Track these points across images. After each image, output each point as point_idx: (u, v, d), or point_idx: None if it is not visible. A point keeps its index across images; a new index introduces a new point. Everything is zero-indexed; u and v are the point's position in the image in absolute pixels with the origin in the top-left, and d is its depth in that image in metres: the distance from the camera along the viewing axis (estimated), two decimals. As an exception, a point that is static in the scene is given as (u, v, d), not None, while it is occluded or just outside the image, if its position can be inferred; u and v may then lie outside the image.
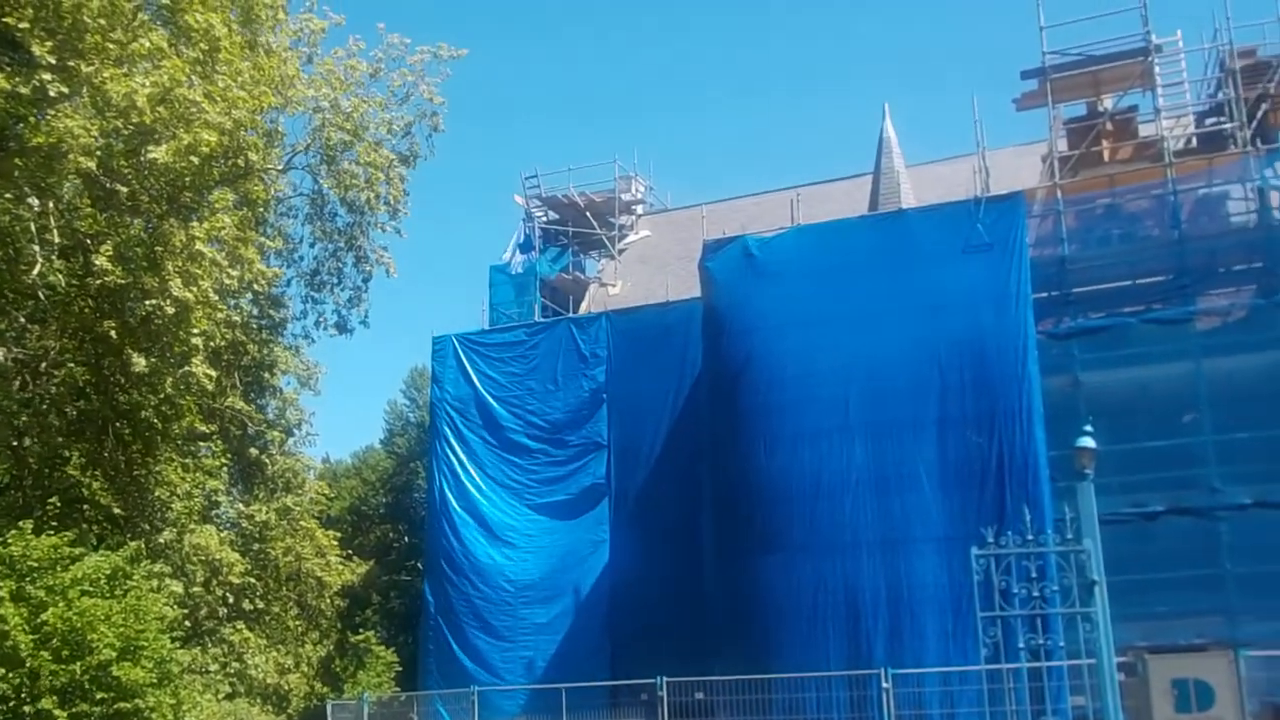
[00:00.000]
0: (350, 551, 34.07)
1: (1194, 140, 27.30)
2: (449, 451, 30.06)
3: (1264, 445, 22.05)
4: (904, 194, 28.08)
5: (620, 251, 35.80)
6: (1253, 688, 18.55)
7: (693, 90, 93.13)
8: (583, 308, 33.76)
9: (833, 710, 21.76)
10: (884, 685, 20.51)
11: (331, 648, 35.31)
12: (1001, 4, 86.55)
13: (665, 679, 22.42)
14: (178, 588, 24.56)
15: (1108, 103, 27.89)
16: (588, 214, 35.13)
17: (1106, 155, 27.51)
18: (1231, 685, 16.75)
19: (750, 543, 23.99)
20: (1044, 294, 24.00)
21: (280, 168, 24.95)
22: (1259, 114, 26.31)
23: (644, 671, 23.30)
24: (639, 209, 37.85)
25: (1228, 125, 25.72)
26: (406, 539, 45.22)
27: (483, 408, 30.17)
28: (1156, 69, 26.22)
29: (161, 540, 25.09)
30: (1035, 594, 13.63)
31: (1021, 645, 13.78)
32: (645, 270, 34.80)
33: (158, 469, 23.88)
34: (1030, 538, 13.95)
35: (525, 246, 34.27)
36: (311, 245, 26.53)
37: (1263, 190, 24.60)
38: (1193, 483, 22.57)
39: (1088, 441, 14.47)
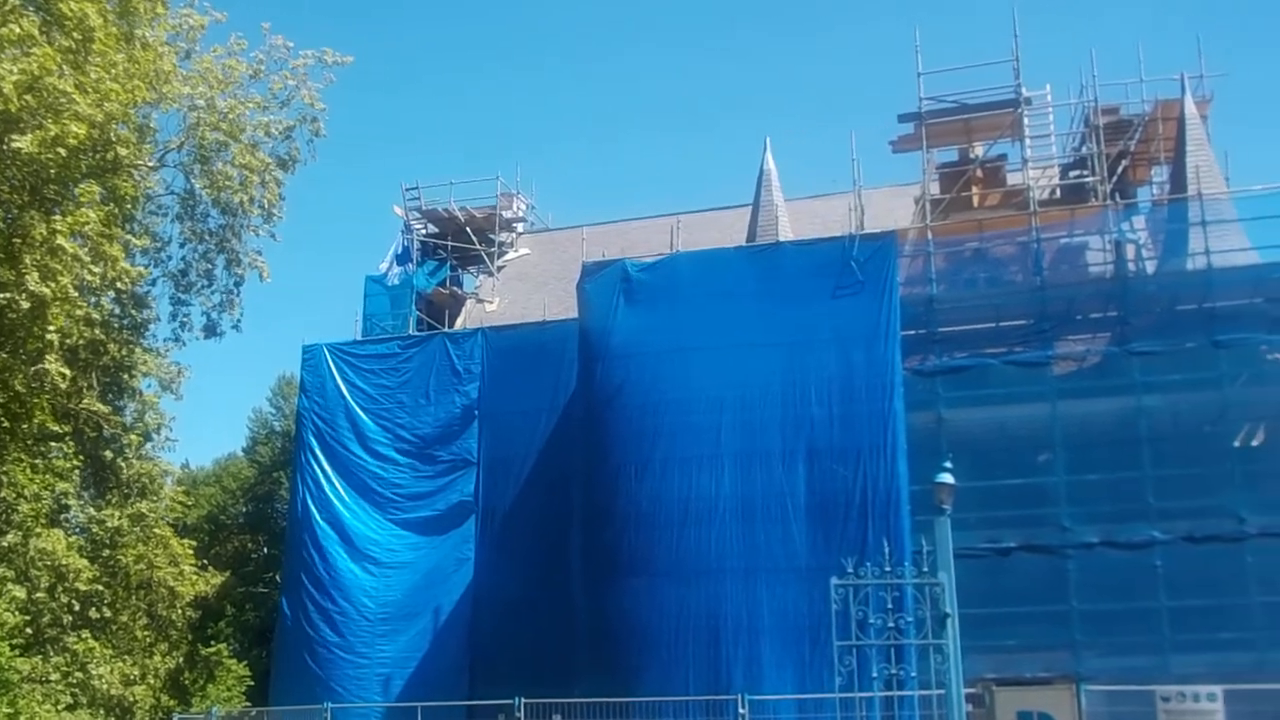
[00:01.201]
0: (206, 561, 33.12)
1: (1058, 191, 28.38)
2: (314, 462, 29.49)
3: (1112, 487, 22.93)
4: (782, 227, 28.56)
5: (499, 268, 35.67)
6: (1093, 720, 19.26)
7: (579, 112, 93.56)
8: (458, 323, 33.53)
9: (689, 734, 21.91)
10: (740, 711, 20.72)
11: (181, 660, 34.24)
12: (883, 48, 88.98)
13: (523, 700, 22.30)
14: (20, 593, 23.56)
15: (979, 150, 28.87)
16: (468, 229, 34.94)
17: (976, 201, 28.44)
18: (1073, 717, 17.31)
19: (616, 566, 24.05)
20: (912, 332, 24.62)
21: (152, 164, 24.28)
22: (1119, 170, 27.51)
23: (504, 692, 23.14)
24: (520, 227, 37.79)
25: (1089, 179, 26.80)
26: (265, 550, 44.20)
27: (351, 419, 29.69)
28: (1026, 121, 27.20)
29: (5, 543, 24.10)
30: (891, 624, 13.95)
31: (875, 674, 14.07)
32: (523, 288, 34.73)
33: (4, 469, 22.95)
34: (888, 570, 14.28)
35: (403, 258, 33.90)
36: (181, 245, 25.80)
37: (1120, 243, 25.68)
38: (1045, 521, 23.32)
39: (947, 478, 14.90)
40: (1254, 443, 24.76)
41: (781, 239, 27.69)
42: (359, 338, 31.59)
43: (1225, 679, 20.15)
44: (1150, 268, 26.26)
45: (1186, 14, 72.93)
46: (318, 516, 28.94)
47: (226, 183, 24.24)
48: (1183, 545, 22.33)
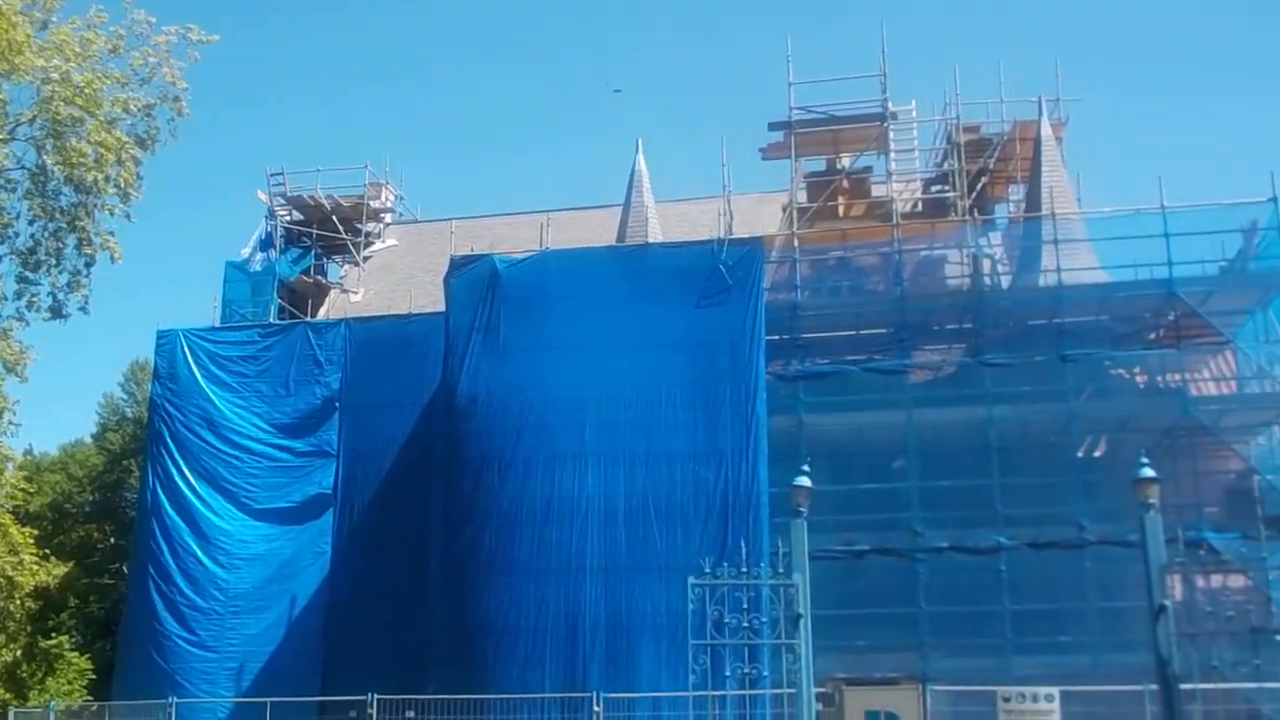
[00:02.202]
0: (48, 551, 31.89)
1: (920, 205, 29.16)
2: (166, 451, 28.65)
3: (962, 494, 23.63)
4: (651, 229, 28.76)
5: (365, 259, 35.15)
6: (937, 719, 19.81)
7: (451, 104, 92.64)
8: (322, 313, 32.95)
9: (545, 731, 21.92)
10: (595, 709, 20.80)
11: (19, 652, 32.95)
12: (756, 56, 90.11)
13: (376, 696, 22.02)
14: None
15: (846, 161, 29.51)
16: (334, 217, 34.35)
17: (842, 210, 29.06)
18: (917, 717, 17.79)
19: (477, 564, 23.91)
20: (776, 337, 25.02)
21: (1, 137, 23.32)
22: (979, 186, 28.41)
23: (358, 688, 22.80)
24: (387, 217, 37.30)
25: (950, 194, 27.61)
26: (113, 540, 42.70)
27: (206, 407, 28.91)
28: (891, 135, 27.91)
29: None
30: (745, 624, 14.16)
31: (728, 673, 14.26)
32: (389, 280, 34.28)
33: None
34: (744, 570, 14.48)
35: (265, 245, 33.16)
36: (30, 223, 24.80)
37: (977, 257, 26.52)
38: (898, 525, 23.90)
39: (804, 481, 15.16)
40: (1096, 454, 25.79)
41: (651, 240, 27.90)
42: (217, 324, 30.79)
43: (1063, 680, 20.88)
44: (1005, 282, 27.18)
45: (1046, 39, 75.58)
46: (168, 506, 28.13)
47: (80, 159, 23.39)
48: (1026, 551, 23.11)
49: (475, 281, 25.45)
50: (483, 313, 25.13)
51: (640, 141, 30.34)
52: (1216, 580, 21.65)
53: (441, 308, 26.55)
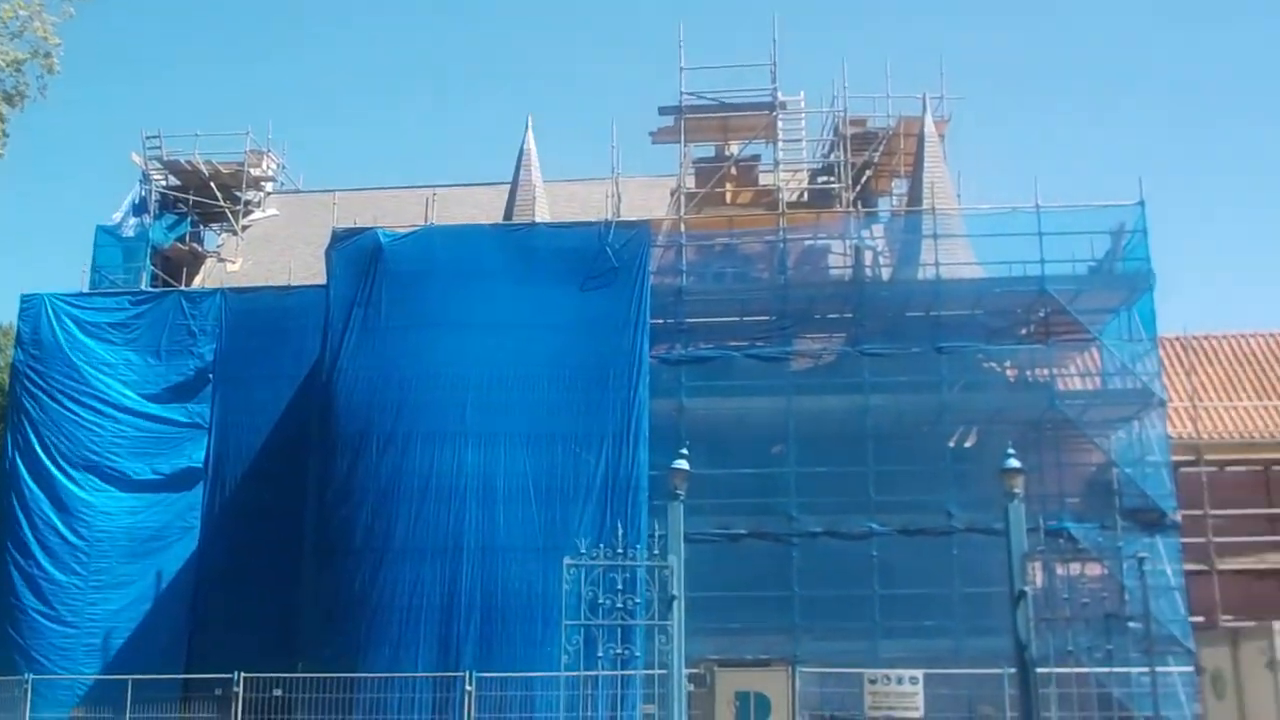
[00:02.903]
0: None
1: (806, 195, 29.49)
2: (26, 419, 27.57)
3: (837, 480, 24.02)
4: (539, 208, 28.62)
5: (244, 228, 34.31)
6: (805, 701, 20.20)
7: (337, 73, 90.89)
8: (197, 281, 32.09)
9: (415, 711, 21.75)
10: (467, 689, 20.72)
11: None
12: (649, 40, 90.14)
13: (242, 674, 21.61)
14: None
15: (734, 148, 29.72)
16: (212, 184, 33.44)
17: (729, 197, 29.28)
18: (786, 698, 18.11)
19: (351, 541, 23.59)
20: (660, 321, 25.13)
21: None
22: (863, 179, 28.86)
23: (226, 665, 22.34)
24: (268, 186, 36.44)
25: (835, 185, 28.01)
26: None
27: (71, 376, 27.87)
28: (780, 125, 28.17)
29: None
30: (619, 605, 14.25)
31: (600, 653, 14.34)
32: (269, 250, 33.55)
33: None
34: (620, 552, 14.56)
35: (139, 210, 32.11)
36: (-111, 179, 23.76)
37: (859, 249, 26.99)
38: (774, 510, 24.21)
39: (682, 464, 15.31)
40: (966, 444, 26.45)
41: (539, 220, 27.77)
42: (86, 290, 29.78)
43: (928, 663, 21.49)
44: (885, 274, 27.69)
45: (932, 38, 77.07)
46: (27, 477, 27.08)
47: (-57, 113, 22.39)
48: (897, 537, 23.63)
49: (357, 255, 25.05)
50: (364, 287, 24.75)
51: (530, 119, 30.20)
52: (1075, 568, 22.45)
53: (322, 280, 26.05)
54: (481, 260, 24.75)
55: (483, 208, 29.86)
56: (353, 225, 25.87)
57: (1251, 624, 15.48)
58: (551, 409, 23.92)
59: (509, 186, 29.80)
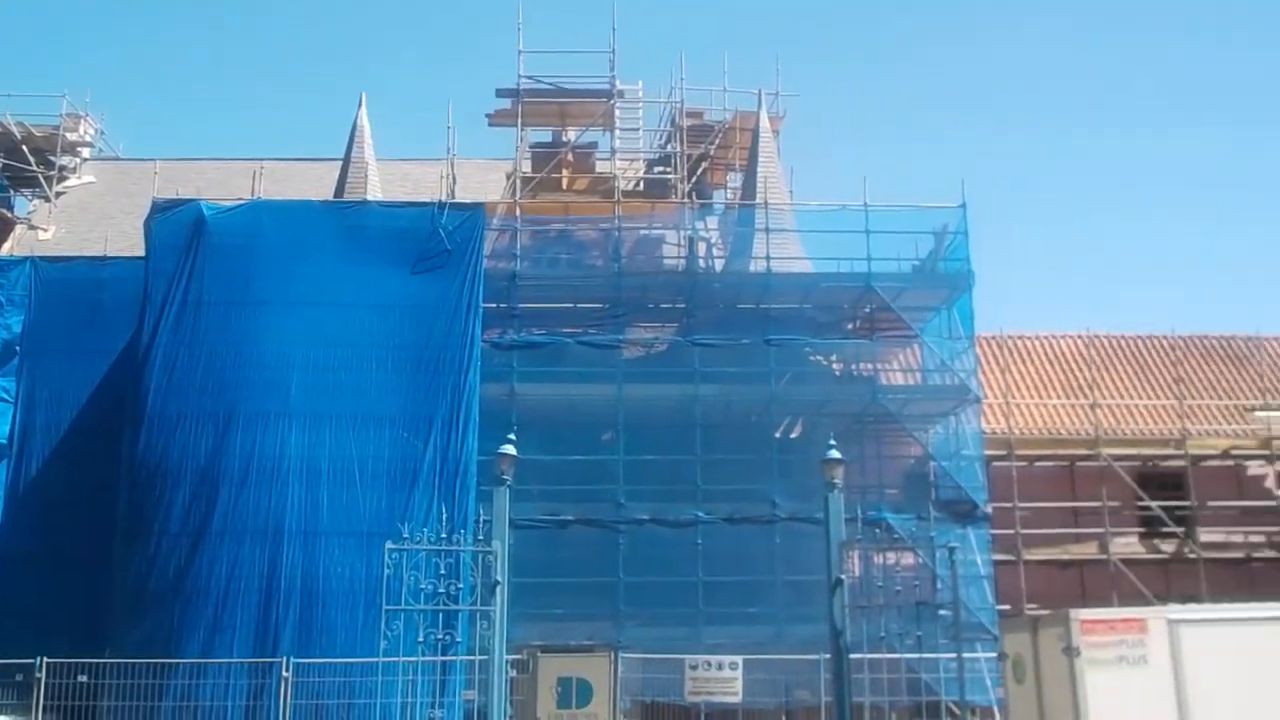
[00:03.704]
0: None
1: (641, 184, 29.68)
2: None
3: (665, 468, 24.25)
4: (371, 186, 28.09)
5: (58, 195, 32.70)
6: (627, 686, 20.36)
7: (161, 37, 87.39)
8: (5, 249, 30.45)
9: (230, 698, 21.18)
10: (284, 675, 20.24)
11: None
12: (487, 19, 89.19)
13: (45, 659, 20.65)
14: None
15: (572, 134, 29.69)
16: (24, 147, 31.79)
17: (565, 183, 29.26)
18: (608, 684, 18.23)
19: (167, 523, 22.77)
20: (493, 305, 24.93)
21: None
22: (699, 171, 29.19)
23: (32, 651, 21.32)
24: (86, 152, 34.78)
25: (671, 176, 28.25)
26: None
27: None
28: (617, 113, 28.25)
29: None
30: (442, 590, 14.12)
31: (421, 639, 14.19)
32: (85, 219, 32.08)
33: None
34: (443, 536, 14.43)
35: (-59, 171, 30.37)
36: None
37: (693, 240, 27.29)
38: (603, 496, 24.30)
39: (509, 449, 15.24)
40: (792, 435, 27.03)
41: (370, 198, 27.26)
42: (-119, 254, 28.02)
43: (748, 649, 21.92)
44: (718, 266, 28.08)
45: (769, 35, 78.35)
46: None
47: None
48: (722, 526, 23.99)
49: (179, 227, 24.14)
50: (186, 261, 23.86)
51: (364, 96, 29.60)
52: (891, 558, 23.19)
53: (141, 252, 25.04)
54: (310, 237, 24.13)
55: (313, 184, 29.10)
56: (175, 196, 24.93)
57: (1050, 612, 16.21)
58: (380, 391, 23.53)
59: (340, 163, 29.17)
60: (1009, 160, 76.63)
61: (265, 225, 24.35)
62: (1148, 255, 73.24)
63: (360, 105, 29.29)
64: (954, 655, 15.97)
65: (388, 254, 24.06)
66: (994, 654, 18.48)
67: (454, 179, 26.42)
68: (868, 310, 26.79)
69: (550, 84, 27.93)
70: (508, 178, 28.10)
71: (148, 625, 22.22)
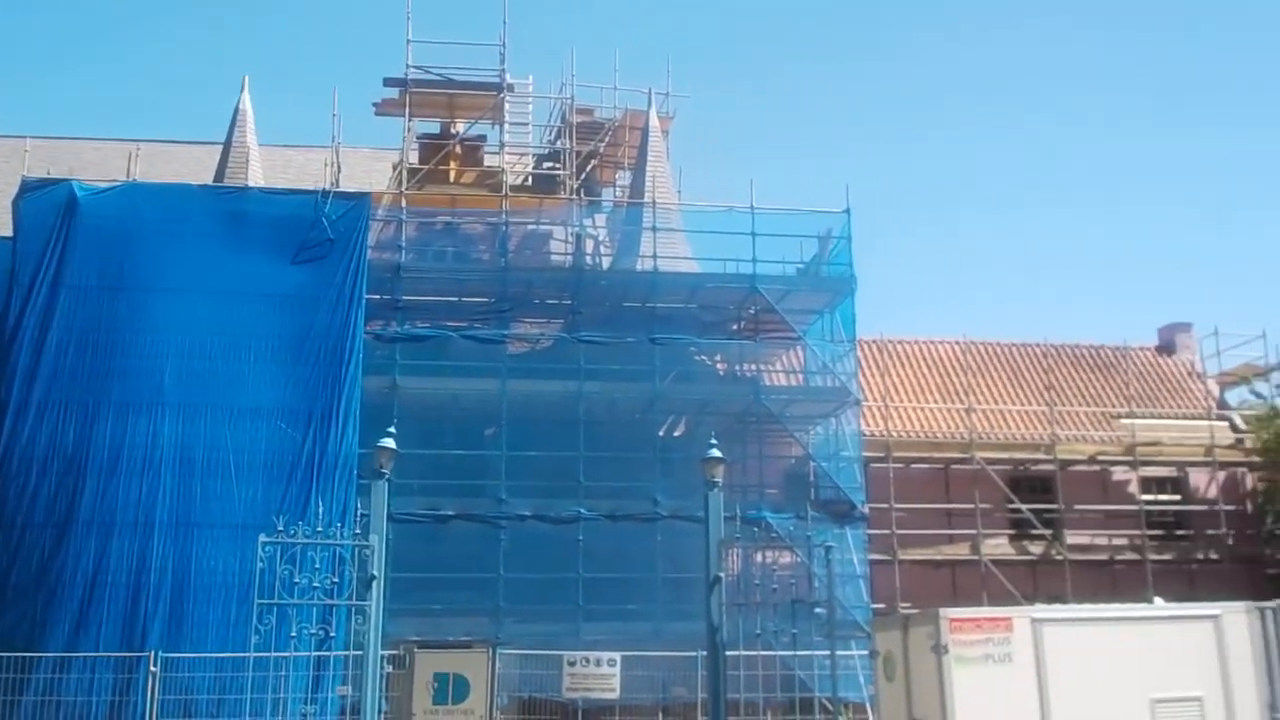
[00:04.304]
0: None
1: (530, 179, 29.58)
2: None
3: (548, 465, 24.25)
4: (253, 172, 27.52)
5: (-79, 170, 31.43)
6: (505, 683, 20.29)
7: (36, 13, 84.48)
8: None
9: (95, 693, 20.60)
10: (152, 669, 19.75)
11: None
12: (375, 6, 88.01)
13: (-110, 653, 19.85)
14: None
15: (460, 127, 29.44)
16: (-115, 121, 30.50)
17: (453, 176, 29.02)
18: (485, 679, 18.15)
19: (31, 513, 22.04)
20: (376, 296, 24.63)
21: None
22: (588, 168, 29.20)
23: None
24: (-50, 128, 33.51)
25: (560, 172, 28.20)
26: None
27: None
28: (507, 107, 28.09)
29: None
30: (316, 584, 13.91)
31: (294, 634, 13.97)
32: (-51, 197, 30.86)
33: None
34: (319, 530, 14.20)
35: None
36: None
37: (580, 237, 27.32)
38: (484, 492, 24.22)
39: (388, 443, 15.06)
40: (675, 434, 27.25)
41: (252, 184, 26.70)
42: None
43: (627, 645, 22.02)
44: (605, 264, 28.15)
45: (660, 35, 78.74)
46: None
47: None
48: (604, 523, 24.06)
49: (50, 208, 23.32)
50: (56, 243, 23.05)
51: (246, 80, 28.98)
52: (770, 556, 23.52)
53: (8, 233, 24.19)
54: (187, 222, 23.52)
55: (192, 167, 28.42)
56: (46, 175, 24.13)
57: (920, 611, 16.57)
58: (258, 382, 23.09)
59: (221, 147, 28.54)
60: (893, 167, 78.20)
61: (141, 208, 23.69)
62: (1024, 265, 75.41)
63: (243, 89, 28.69)
64: (828, 653, 16.24)
65: (268, 242, 23.59)
66: (867, 651, 18.83)
67: (339, 167, 26.04)
68: (752, 312, 27.07)
69: (439, 75, 27.65)
70: (394, 168, 27.76)
71: (10, 618, 21.51)
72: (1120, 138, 75.95)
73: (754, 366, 28.09)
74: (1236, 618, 13.61)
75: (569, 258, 27.38)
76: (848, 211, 26.69)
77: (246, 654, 14.83)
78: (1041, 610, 15.23)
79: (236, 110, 28.43)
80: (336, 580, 14.36)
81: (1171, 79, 77.75)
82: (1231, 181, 76.04)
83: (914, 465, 29.82)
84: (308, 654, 16.08)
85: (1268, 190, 74.42)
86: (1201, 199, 74.80)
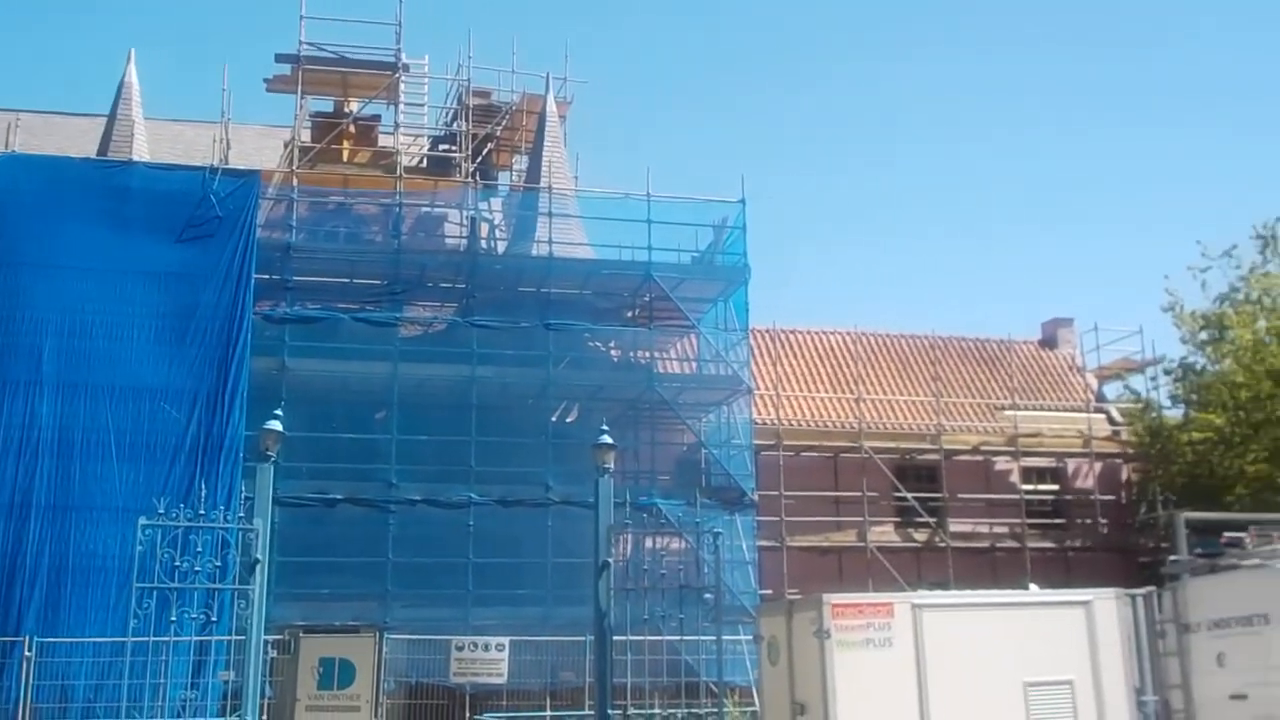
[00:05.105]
0: None
1: (425, 161, 29.29)
2: None
3: (439, 449, 24.11)
4: (138, 146, 26.87)
5: None
6: (392, 668, 20.16)
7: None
8: None
9: (-35, 679, 20.00)
10: (26, 654, 19.22)
11: None
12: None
13: None
14: None
15: (354, 106, 29.03)
16: None
17: (346, 156, 28.63)
18: (372, 664, 18.01)
19: (-102, 495, 21.34)
20: (266, 276, 24.24)
21: None
22: (484, 152, 29.00)
23: None
24: None
25: (456, 155, 27.97)
26: None
27: None
28: (402, 87, 27.77)
29: None
30: (199, 568, 13.66)
31: (174, 618, 13.71)
32: None
33: None
34: (202, 513, 13.95)
35: None
36: None
37: (475, 220, 27.15)
38: (374, 476, 24.00)
39: (275, 425, 14.84)
40: (568, 420, 27.25)
41: (137, 158, 26.04)
42: None
43: (517, 630, 22.05)
44: (500, 248, 28.02)
45: (560, 20, 78.44)
46: None
47: None
48: (495, 508, 24.00)
49: (-81, 179, 22.55)
50: (-72, 214, 22.33)
51: (133, 52, 28.25)
52: (661, 542, 23.68)
53: None
54: (69, 197, 22.86)
55: (74, 140, 27.60)
56: (-82, 145, 23.30)
57: (804, 596, 16.85)
58: (141, 362, 22.58)
59: (106, 120, 27.77)
60: (788, 160, 78.99)
61: (20, 181, 23.00)
62: (914, 259, 76.85)
63: (129, 61, 27.95)
64: (715, 638, 16.42)
65: (154, 218, 23.05)
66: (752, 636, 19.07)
67: (228, 144, 25.46)
68: (647, 299, 27.21)
69: (333, 52, 27.23)
70: (285, 146, 27.26)
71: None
72: (1008, 136, 77.76)
73: (647, 354, 28.24)
74: (1107, 604, 14.05)
75: (463, 241, 27.21)
76: (743, 201, 26.95)
77: (125, 639, 14.51)
78: (922, 596, 15.56)
79: (122, 83, 27.71)
80: (220, 564, 14.11)
81: (1055, 75, 79.81)
82: (1116, 180, 78.38)
83: (804, 453, 30.25)
84: (190, 639, 15.76)
85: (1148, 190, 76.90)
86: (1086, 198, 76.97)
